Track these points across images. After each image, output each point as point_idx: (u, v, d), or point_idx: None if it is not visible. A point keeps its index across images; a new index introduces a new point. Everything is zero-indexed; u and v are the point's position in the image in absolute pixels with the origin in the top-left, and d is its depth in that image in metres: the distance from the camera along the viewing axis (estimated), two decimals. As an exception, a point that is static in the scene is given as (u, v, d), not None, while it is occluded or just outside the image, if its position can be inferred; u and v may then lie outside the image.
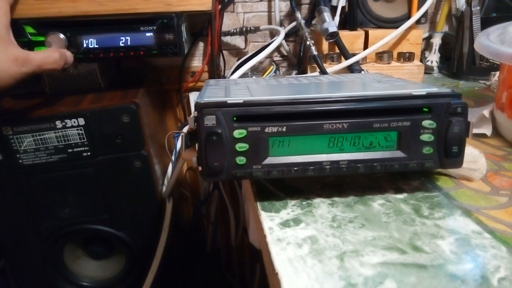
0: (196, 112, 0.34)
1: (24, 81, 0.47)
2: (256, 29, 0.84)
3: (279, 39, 0.76)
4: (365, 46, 0.77)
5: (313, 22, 0.84)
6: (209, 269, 1.06)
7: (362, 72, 0.70)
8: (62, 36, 0.54)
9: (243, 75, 0.73)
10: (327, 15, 0.71)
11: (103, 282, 0.72)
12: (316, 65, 0.71)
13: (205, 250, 1.05)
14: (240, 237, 0.93)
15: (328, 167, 0.36)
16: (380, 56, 0.75)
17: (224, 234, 1.03)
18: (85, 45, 0.56)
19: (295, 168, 0.35)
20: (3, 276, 0.67)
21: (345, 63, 0.71)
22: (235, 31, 0.85)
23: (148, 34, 0.56)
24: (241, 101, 0.34)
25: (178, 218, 0.91)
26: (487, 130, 0.52)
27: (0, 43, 0.44)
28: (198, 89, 0.86)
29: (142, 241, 0.68)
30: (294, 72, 0.85)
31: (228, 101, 0.34)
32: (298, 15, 0.77)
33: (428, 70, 0.90)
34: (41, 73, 0.49)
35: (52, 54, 0.49)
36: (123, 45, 0.56)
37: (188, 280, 0.99)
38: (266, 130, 0.34)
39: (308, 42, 0.72)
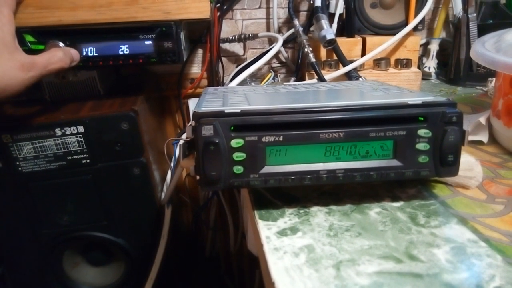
0: (193, 121, 0.34)
1: (31, 86, 0.47)
2: (255, 36, 0.85)
3: (277, 46, 0.76)
4: (363, 53, 0.78)
5: (311, 29, 0.84)
6: (208, 275, 1.06)
7: (360, 79, 0.71)
8: (61, 44, 0.55)
9: (242, 82, 0.73)
10: (324, 22, 0.72)
11: (102, 288, 0.72)
12: (314, 72, 0.71)
13: (204, 256, 1.05)
14: (239, 243, 0.93)
15: (324, 176, 0.36)
16: (377, 62, 0.75)
17: (223, 240, 1.03)
18: (84, 53, 0.56)
19: (292, 177, 0.36)
20: (2, 283, 0.67)
21: (342, 70, 0.71)
22: (233, 38, 0.86)
23: (147, 42, 0.57)
24: (239, 110, 0.35)
25: (177, 224, 0.91)
26: (484, 137, 0.52)
27: (6, 50, 0.45)
28: (197, 95, 0.87)
29: (141, 247, 0.68)
30: (293, 79, 0.85)
31: (226, 111, 0.34)
32: (296, 22, 0.78)
33: (425, 76, 0.91)
34: (49, 74, 0.50)
35: (56, 53, 0.50)
36: (122, 53, 0.57)
37: (188, 286, 0.98)
38: (263, 139, 0.35)
39: (306, 49, 0.73)
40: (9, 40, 0.46)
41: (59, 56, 0.50)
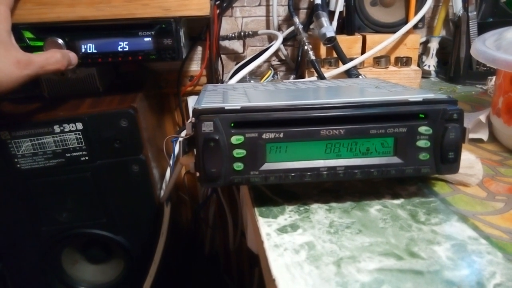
0: (193, 118, 0.34)
1: (26, 84, 0.47)
2: (254, 34, 0.84)
3: (277, 44, 0.76)
4: (363, 51, 0.78)
5: (311, 26, 0.84)
6: (208, 273, 1.06)
7: (360, 76, 0.71)
8: (60, 41, 0.54)
9: (241, 80, 0.73)
10: (325, 20, 0.72)
11: (101, 286, 0.72)
12: (314, 70, 0.71)
13: (203, 254, 1.05)
14: (238, 241, 0.93)
15: (325, 173, 0.36)
16: (377, 60, 0.75)
17: (223, 238, 1.03)
18: (83, 50, 0.56)
19: (292, 174, 0.35)
20: (1, 280, 0.66)
21: (342, 67, 0.71)
22: (233, 35, 0.85)
23: (146, 39, 0.56)
24: (239, 107, 0.34)
25: (177, 222, 0.91)
26: (484, 135, 0.52)
27: (1, 47, 0.45)
28: (197, 93, 0.87)
29: (140, 245, 0.68)
30: (292, 76, 0.85)
31: (226, 107, 0.34)
32: (296, 20, 0.77)
33: (425, 75, 0.90)
34: (45, 74, 0.49)
35: (54, 55, 0.50)
36: (121, 50, 0.56)
37: (187, 284, 0.98)
38: (264, 136, 0.34)
39: (306, 47, 0.73)
40: (5, 37, 0.46)
41: (57, 57, 0.50)
